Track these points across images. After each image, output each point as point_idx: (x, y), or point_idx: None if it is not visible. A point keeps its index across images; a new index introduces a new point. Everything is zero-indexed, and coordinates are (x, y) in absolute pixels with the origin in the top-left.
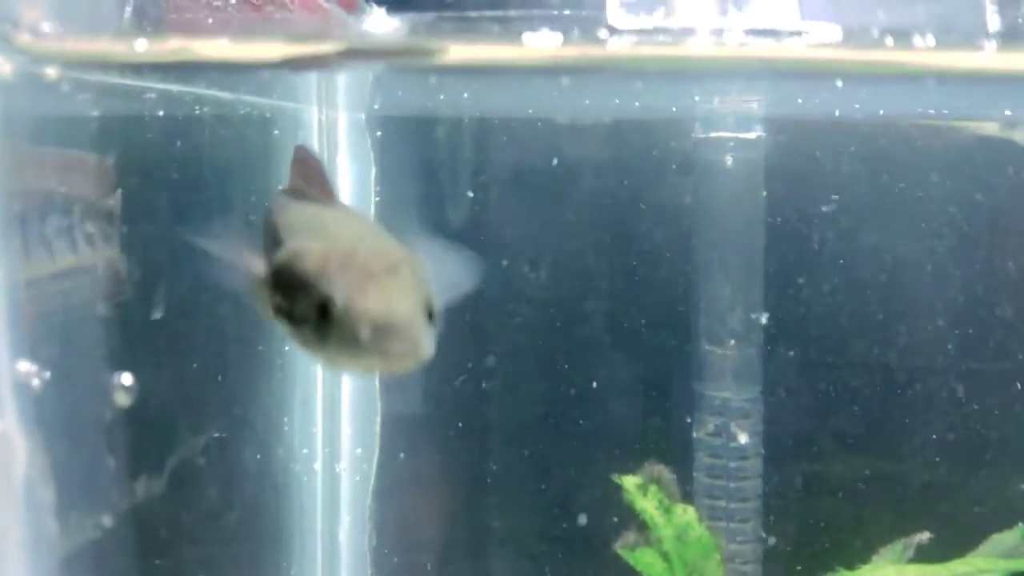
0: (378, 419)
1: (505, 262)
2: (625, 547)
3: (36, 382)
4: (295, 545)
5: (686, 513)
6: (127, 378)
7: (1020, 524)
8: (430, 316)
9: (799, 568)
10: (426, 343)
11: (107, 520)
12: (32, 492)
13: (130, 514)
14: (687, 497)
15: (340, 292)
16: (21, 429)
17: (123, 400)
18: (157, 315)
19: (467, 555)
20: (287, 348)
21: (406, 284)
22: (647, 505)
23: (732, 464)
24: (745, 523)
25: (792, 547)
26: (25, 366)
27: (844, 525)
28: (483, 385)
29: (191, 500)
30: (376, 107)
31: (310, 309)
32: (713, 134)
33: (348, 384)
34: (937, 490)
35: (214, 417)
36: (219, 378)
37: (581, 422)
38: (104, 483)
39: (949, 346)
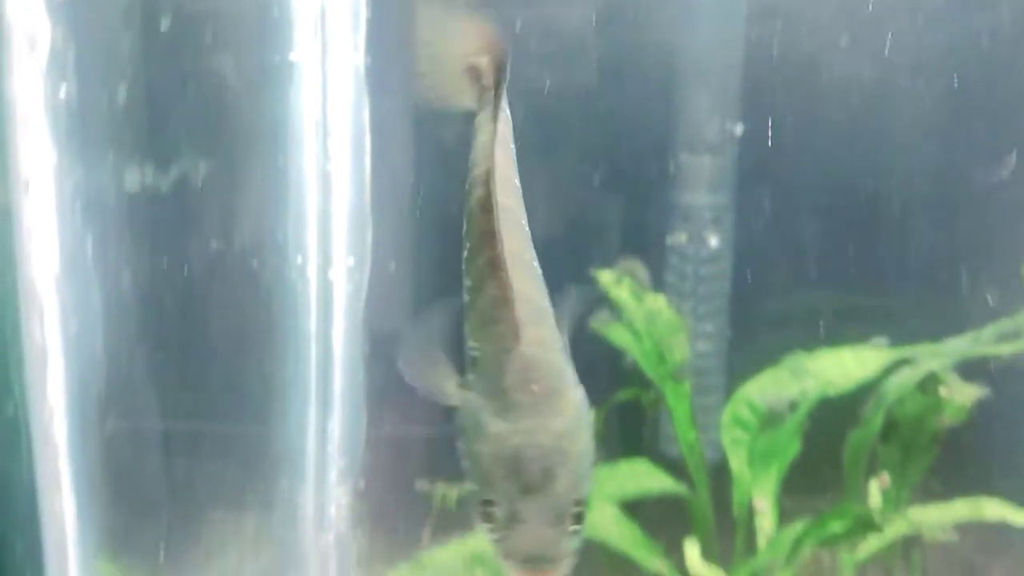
0: (370, 231)
1: None
2: (597, 324)
3: None
4: (290, 349)
5: (657, 300)
6: None
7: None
8: (579, 517)
9: (760, 358)
10: (567, 561)
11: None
12: None
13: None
14: (659, 290)
15: (499, 510)
16: None
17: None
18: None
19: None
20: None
21: (562, 502)
22: (620, 293)
23: (702, 268)
24: (710, 319)
25: (757, 339)
26: None
27: (811, 330)
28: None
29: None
30: None
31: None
32: None
33: (342, 197)
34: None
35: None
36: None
37: (561, 228)
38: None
39: (923, 171)
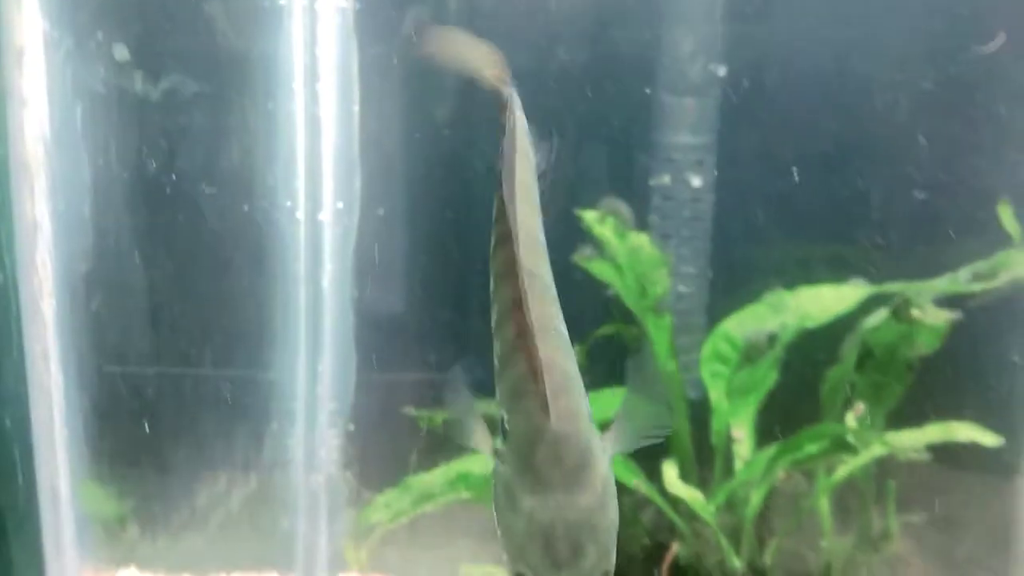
0: (359, 176)
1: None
2: (581, 258)
3: None
4: (280, 291)
5: (639, 238)
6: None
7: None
8: None
9: (742, 299)
10: None
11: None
12: None
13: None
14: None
15: None
16: None
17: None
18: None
19: (452, 312)
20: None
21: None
22: (604, 231)
23: (684, 209)
24: (692, 260)
25: (737, 281)
26: None
27: (789, 266)
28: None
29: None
30: None
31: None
32: None
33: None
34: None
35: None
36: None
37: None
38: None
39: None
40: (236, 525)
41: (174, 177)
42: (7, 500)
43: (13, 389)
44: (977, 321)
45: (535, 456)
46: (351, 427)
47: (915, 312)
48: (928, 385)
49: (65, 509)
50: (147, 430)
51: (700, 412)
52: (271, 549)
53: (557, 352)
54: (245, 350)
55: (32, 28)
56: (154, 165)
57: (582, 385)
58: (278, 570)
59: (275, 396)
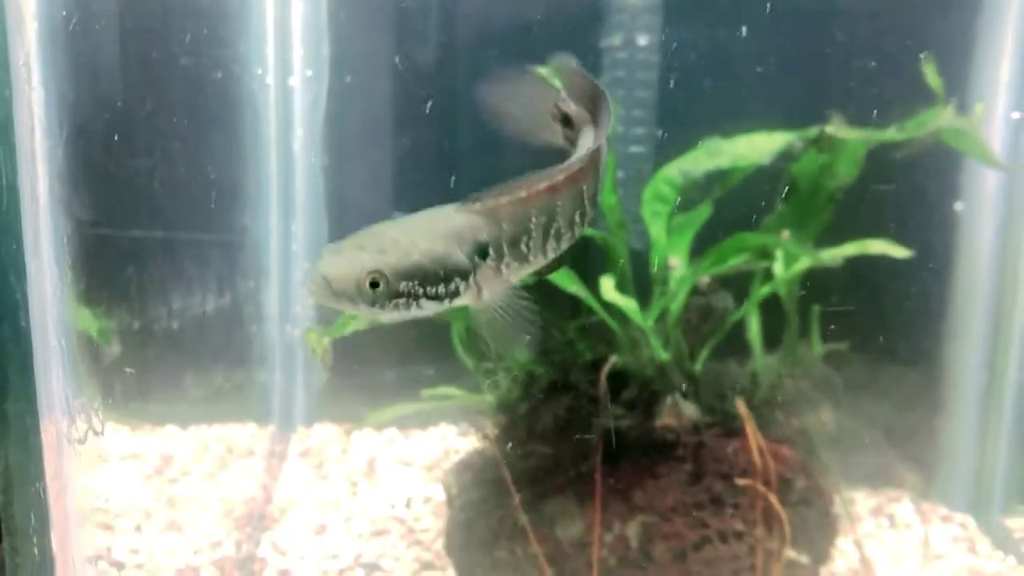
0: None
1: None
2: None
3: None
4: (251, 157)
5: None
6: None
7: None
8: (375, 285)
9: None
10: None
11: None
12: None
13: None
14: None
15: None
16: None
17: None
18: None
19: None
20: None
21: (356, 259)
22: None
23: (634, 71)
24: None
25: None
26: None
27: (731, 120)
28: None
29: None
30: None
31: None
32: None
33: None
34: None
35: None
36: None
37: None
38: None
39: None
40: (216, 382)
41: (153, 54)
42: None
43: (6, 220)
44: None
45: None
46: None
47: (829, 130)
48: (850, 218)
49: (52, 325)
50: (129, 285)
51: (644, 258)
52: (250, 403)
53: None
54: (221, 211)
55: None
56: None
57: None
58: (256, 421)
59: (252, 254)
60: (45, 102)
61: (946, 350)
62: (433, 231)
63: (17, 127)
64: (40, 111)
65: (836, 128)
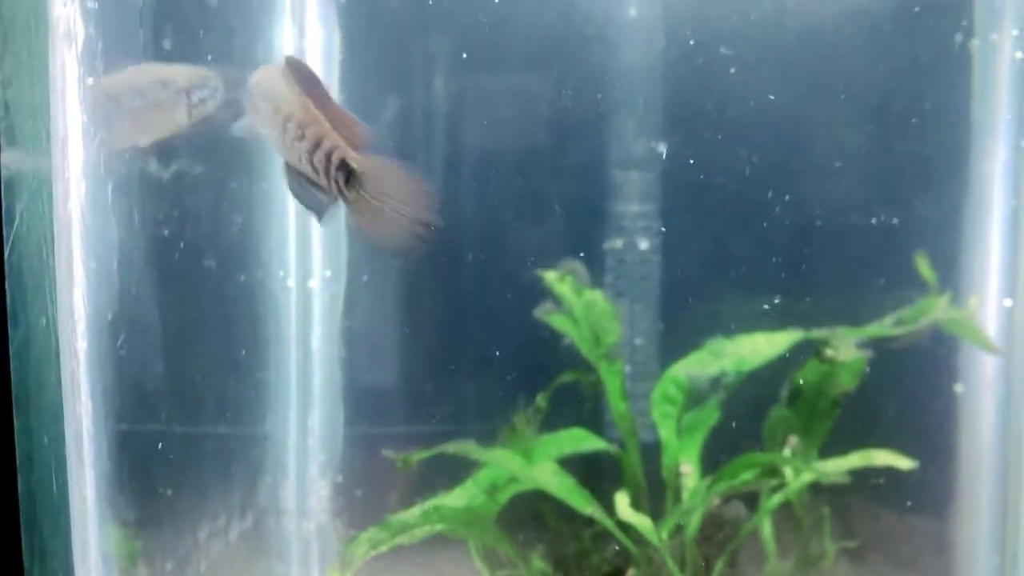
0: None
1: None
2: (543, 313)
3: None
4: (271, 352)
5: (594, 294)
6: None
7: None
8: None
9: (690, 345)
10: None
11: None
12: None
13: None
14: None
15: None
16: None
17: None
18: None
19: (431, 369)
20: (264, 185)
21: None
22: (563, 289)
23: (635, 269)
24: (644, 315)
25: (685, 331)
26: None
27: (730, 317)
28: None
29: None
30: None
31: None
32: None
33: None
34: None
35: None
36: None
37: (513, 235)
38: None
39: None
40: (233, 571)
41: (178, 255)
42: (44, 501)
43: (51, 412)
44: (902, 361)
45: None
46: (340, 478)
47: (829, 352)
48: (854, 420)
49: (91, 520)
50: (155, 481)
51: (654, 454)
52: None
53: None
54: (242, 407)
55: (73, 121)
56: (166, 233)
57: None
58: None
59: (269, 449)
60: None
61: (956, 532)
62: None
63: None
64: None
65: (836, 348)
